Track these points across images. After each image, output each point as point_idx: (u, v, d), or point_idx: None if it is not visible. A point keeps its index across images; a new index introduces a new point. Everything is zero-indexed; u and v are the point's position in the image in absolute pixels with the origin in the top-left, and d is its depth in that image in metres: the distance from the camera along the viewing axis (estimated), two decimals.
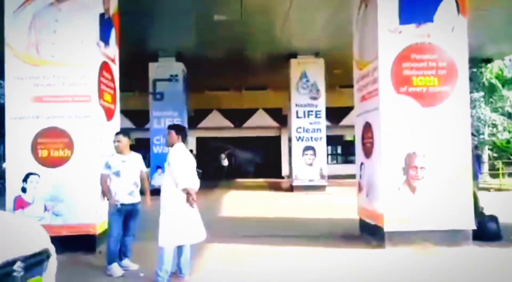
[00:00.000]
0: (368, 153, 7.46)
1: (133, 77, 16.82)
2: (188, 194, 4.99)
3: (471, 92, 23.20)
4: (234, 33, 13.78)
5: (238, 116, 24.70)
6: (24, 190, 6.50)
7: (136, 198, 5.69)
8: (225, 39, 14.57)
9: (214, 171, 23.57)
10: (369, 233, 7.39)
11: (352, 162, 26.82)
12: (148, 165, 17.15)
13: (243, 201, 14.12)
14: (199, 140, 25.81)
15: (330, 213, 10.70)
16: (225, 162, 25.07)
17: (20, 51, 6.61)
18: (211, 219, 9.67)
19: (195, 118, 23.95)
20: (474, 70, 22.07)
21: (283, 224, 9.40)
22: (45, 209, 6.47)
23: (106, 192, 5.51)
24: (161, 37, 14.26)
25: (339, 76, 19.53)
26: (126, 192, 5.55)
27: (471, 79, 22.61)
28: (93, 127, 6.61)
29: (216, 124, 24.75)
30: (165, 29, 13.39)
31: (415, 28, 6.79)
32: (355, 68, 8.15)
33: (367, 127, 7.46)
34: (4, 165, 13.26)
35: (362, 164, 7.82)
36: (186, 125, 16.89)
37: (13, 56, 6.63)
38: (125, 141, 5.68)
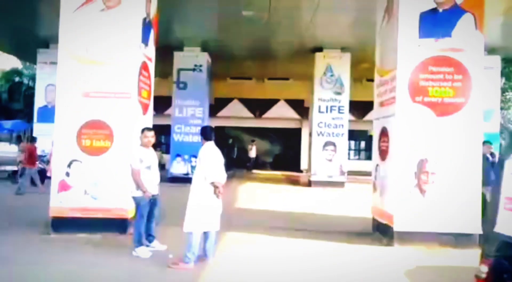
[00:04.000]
0: (383, 155, 8.42)
1: (156, 63, 17.97)
2: (215, 187, 6.07)
3: (505, 91, 23.68)
4: (260, 26, 14.56)
5: (259, 107, 25.50)
6: (68, 174, 7.73)
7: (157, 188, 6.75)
8: (251, 32, 15.47)
9: (235, 161, 24.26)
10: (381, 231, 8.34)
11: None
12: (168, 151, 18.43)
13: (259, 194, 15.13)
14: (218, 129, 26.69)
15: (346, 210, 11.71)
16: (253, 153, 25.65)
17: (73, 51, 7.83)
18: (228, 210, 10.74)
19: (215, 107, 24.59)
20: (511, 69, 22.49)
21: (298, 218, 10.41)
22: (85, 193, 7.69)
23: (141, 185, 6.38)
24: (188, 27, 15.31)
25: (366, 69, 20.32)
26: (155, 183, 6.62)
27: (507, 78, 23.13)
28: (131, 121, 7.77)
29: (236, 113, 25.57)
30: (191, 20, 14.44)
31: (434, 42, 7.66)
32: (376, 74, 9.10)
33: (384, 131, 8.41)
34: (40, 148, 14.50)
35: (377, 165, 8.79)
36: (206, 115, 17.96)
37: (66, 54, 7.85)
38: (154, 138, 6.66)
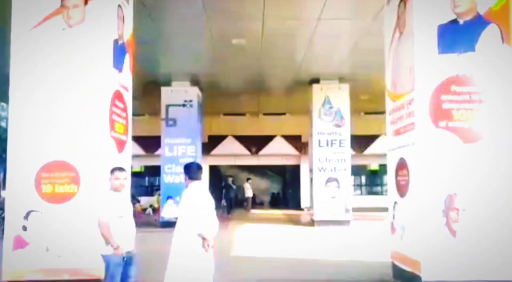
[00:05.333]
0: (402, 191, 7.24)
1: (144, 100, 17.01)
2: (203, 239, 4.89)
3: None
4: (253, 58, 13.82)
5: (255, 143, 24.63)
6: (24, 228, 6.33)
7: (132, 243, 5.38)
8: (243, 64, 14.65)
9: (231, 201, 23.00)
10: (405, 280, 7.12)
11: (377, 193, 27.20)
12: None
13: (258, 237, 13.91)
14: (213, 168, 25.73)
15: (357, 254, 10.44)
16: (250, 193, 24.40)
17: (27, 77, 6.60)
18: (222, 259, 9.46)
19: (208, 145, 23.92)
20: None
21: (304, 267, 9.13)
22: (47, 250, 6.30)
23: (111, 241, 5.00)
24: (175, 60, 14.33)
25: (365, 102, 19.54)
26: (130, 237, 5.26)
27: None
28: (102, 161, 6.42)
29: (231, 151, 24.69)
30: (179, 52, 13.47)
31: (456, 58, 6.65)
32: (387, 99, 8.00)
33: (402, 163, 7.26)
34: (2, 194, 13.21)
35: (395, 203, 7.60)
36: (199, 153, 16.87)
37: (19, 81, 6.62)
38: (127, 180, 5.49)
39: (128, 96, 7.38)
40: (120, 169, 5.34)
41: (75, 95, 6.54)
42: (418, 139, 6.65)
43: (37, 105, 6.54)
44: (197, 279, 4.86)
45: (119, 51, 6.90)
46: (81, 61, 6.56)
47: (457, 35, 6.67)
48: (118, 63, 6.88)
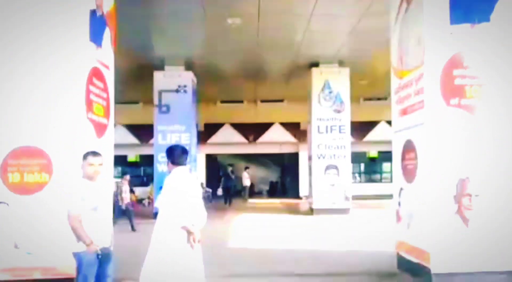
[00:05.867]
0: (409, 176, 6.66)
1: (137, 87, 16.36)
2: (188, 232, 4.26)
3: None
4: (249, 39, 13.16)
5: (253, 131, 24.05)
6: None
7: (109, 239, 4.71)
8: (239, 46, 13.99)
9: (229, 191, 22.25)
10: (411, 272, 6.58)
11: (376, 180, 26.63)
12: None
13: (256, 227, 13.34)
14: (209, 157, 25.15)
15: (359, 244, 9.91)
16: (247, 182, 23.54)
17: None
18: (218, 251, 8.96)
19: (205, 133, 23.55)
20: None
21: (303, 258, 8.57)
22: (15, 247, 5.50)
23: (83, 236, 4.27)
24: (168, 43, 13.67)
25: (364, 87, 18.93)
26: (106, 232, 4.64)
27: None
28: (78, 146, 5.48)
29: (228, 139, 24.09)
30: (172, 35, 12.82)
31: (469, 29, 6.03)
32: (393, 77, 7.38)
33: (409, 146, 6.67)
34: None
35: (401, 189, 7.01)
36: (194, 141, 16.25)
37: None
38: (102, 166, 4.65)
39: (109, 76, 6.60)
40: (94, 154, 4.59)
41: (45, 72, 5.67)
42: (428, 119, 6.08)
43: (1, 84, 5.67)
44: (181, 279, 4.21)
45: (97, 23, 6.12)
46: (52, 32, 5.73)
47: (470, 4, 6.07)
48: (95, 36, 6.09)
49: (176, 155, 4.55)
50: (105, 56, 6.45)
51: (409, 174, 6.69)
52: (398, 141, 7.14)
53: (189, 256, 4.26)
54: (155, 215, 5.12)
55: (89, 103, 5.88)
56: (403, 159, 6.93)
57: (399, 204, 7.08)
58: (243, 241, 10.71)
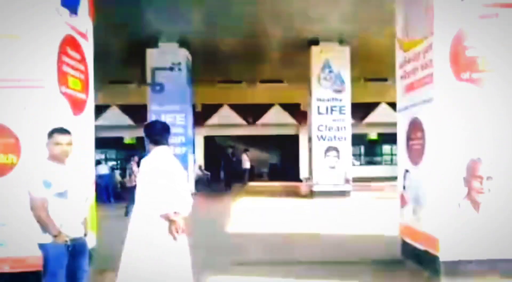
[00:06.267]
0: (416, 158, 6.16)
1: (131, 66, 15.76)
2: (170, 221, 3.70)
3: None
4: (247, 12, 12.57)
5: (252, 113, 23.49)
6: None
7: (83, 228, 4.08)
8: (236, 20, 13.39)
9: (230, 174, 21.58)
10: (417, 260, 6.12)
11: (376, 163, 26.17)
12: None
13: (255, 211, 12.83)
14: (208, 140, 24.62)
15: (360, 228, 9.45)
16: (247, 164, 22.85)
17: None
18: (214, 237, 8.54)
19: (203, 114, 23.14)
20: None
21: (303, 244, 8.12)
22: None
23: (49, 225, 3.74)
24: (162, 18, 13.05)
25: (365, 67, 18.33)
26: (78, 220, 4.01)
27: None
28: (50, 124, 4.64)
29: (226, 121, 23.56)
30: (166, 9, 12.19)
31: None
32: (398, 50, 6.82)
33: (415, 125, 6.15)
34: None
35: (406, 171, 6.52)
36: (189, 122, 15.72)
37: None
38: (72, 145, 4.04)
39: (87, 47, 6.02)
40: (61, 131, 3.99)
41: (11, 40, 5.06)
42: (436, 95, 5.57)
43: None
44: (164, 275, 3.66)
45: None
46: None
47: None
48: (68, 2, 5.47)
49: (156, 131, 3.97)
50: (81, 24, 5.84)
51: (415, 155, 6.19)
52: (403, 119, 6.62)
53: (171, 249, 3.69)
54: None
55: (63, 76, 5.28)
56: (409, 139, 6.42)
57: (404, 187, 6.60)
58: (241, 226, 10.20)
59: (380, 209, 12.09)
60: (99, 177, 15.01)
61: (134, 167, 12.28)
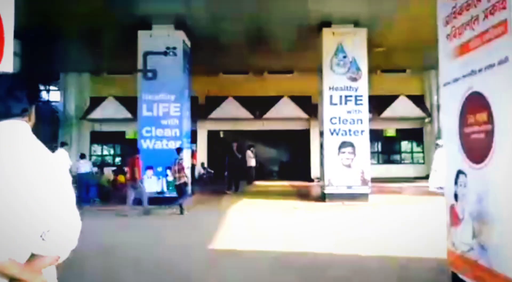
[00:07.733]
0: (476, 152, 4.04)
1: (127, 55, 13.88)
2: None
3: None
4: None
5: (259, 105, 21.56)
6: None
7: None
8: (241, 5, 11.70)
9: (235, 173, 18.88)
10: None
11: (394, 162, 23.90)
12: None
13: (256, 219, 10.62)
14: (212, 134, 22.66)
15: (386, 245, 7.24)
16: (253, 162, 20.77)
17: None
18: (195, 257, 6.54)
19: (206, 107, 21.59)
20: None
21: (314, 269, 6.01)
22: None
23: None
24: None
25: (382, 55, 16.21)
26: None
27: None
28: None
29: (231, 114, 21.68)
30: None
31: None
32: None
33: (475, 102, 4.03)
34: None
35: (459, 173, 4.38)
36: (186, 113, 13.75)
37: None
38: None
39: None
40: None
41: None
42: None
43: None
44: None
45: None
46: None
47: None
48: None
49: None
50: None
51: (475, 148, 4.06)
52: (453, 96, 4.49)
53: None
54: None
55: None
56: (462, 123, 4.29)
57: (456, 196, 4.46)
58: (234, 240, 8.02)
59: (406, 217, 9.97)
60: (79, 176, 13.29)
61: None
